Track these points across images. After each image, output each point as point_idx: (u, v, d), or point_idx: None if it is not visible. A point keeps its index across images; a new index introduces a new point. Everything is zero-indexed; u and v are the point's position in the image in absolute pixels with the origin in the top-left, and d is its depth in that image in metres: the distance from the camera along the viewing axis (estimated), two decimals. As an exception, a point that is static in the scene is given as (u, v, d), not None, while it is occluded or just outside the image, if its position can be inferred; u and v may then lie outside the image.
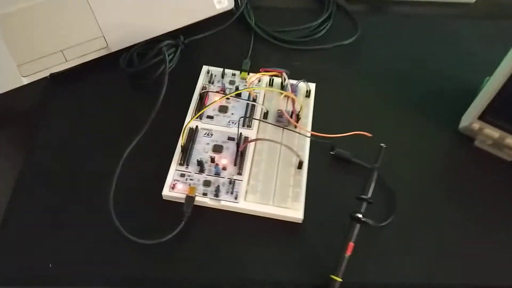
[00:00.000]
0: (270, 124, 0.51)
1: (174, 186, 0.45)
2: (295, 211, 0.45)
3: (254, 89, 0.52)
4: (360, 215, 0.43)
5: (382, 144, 0.46)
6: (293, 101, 0.51)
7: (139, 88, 0.54)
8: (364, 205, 0.43)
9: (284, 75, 0.52)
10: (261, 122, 0.51)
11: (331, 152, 0.50)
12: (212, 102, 0.49)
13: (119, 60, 0.53)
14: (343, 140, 0.51)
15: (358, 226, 0.42)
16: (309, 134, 0.50)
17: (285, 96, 0.52)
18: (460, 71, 0.59)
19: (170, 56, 0.52)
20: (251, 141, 0.49)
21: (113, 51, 0.54)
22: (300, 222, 0.45)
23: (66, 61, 0.52)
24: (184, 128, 0.47)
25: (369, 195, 0.44)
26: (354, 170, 0.49)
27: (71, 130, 0.51)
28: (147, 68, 0.51)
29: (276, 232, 0.45)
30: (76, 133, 0.51)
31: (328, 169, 0.49)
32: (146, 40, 0.55)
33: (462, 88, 0.56)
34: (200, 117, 0.51)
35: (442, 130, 0.53)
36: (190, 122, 0.48)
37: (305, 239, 0.44)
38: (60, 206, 0.45)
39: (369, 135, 0.47)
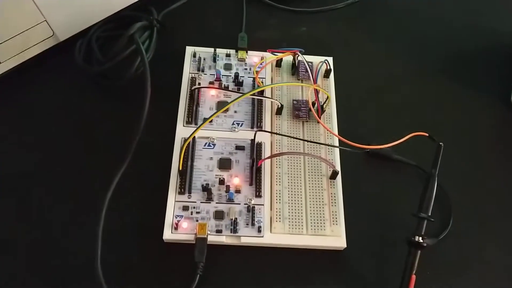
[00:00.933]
0: (286, 121, 0.40)
1: (178, 225, 0.35)
2: (336, 239, 0.35)
3: (277, 85, 0.40)
4: (420, 239, 0.34)
5: (440, 143, 0.36)
6: (316, 92, 0.39)
7: (109, 92, 0.41)
8: (424, 224, 0.35)
9: (300, 56, 0.40)
10: (275, 120, 0.40)
11: (366, 150, 0.40)
12: (216, 112, 0.36)
13: (74, 54, 0.39)
14: (373, 132, 0.41)
15: (419, 253, 0.34)
16: (336, 131, 0.40)
17: (311, 88, 0.40)
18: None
19: (146, 44, 0.38)
20: (271, 156, 0.37)
21: (62, 40, 0.40)
22: (342, 249, 0.36)
23: (0, 62, 0.38)
24: (183, 148, 0.35)
25: (430, 211, 0.35)
26: (398, 170, 0.39)
27: (15, 163, 0.37)
28: (116, 63, 0.37)
29: (314, 265, 0.35)
30: (22, 165, 0.37)
31: (365, 173, 0.39)
32: (104, 20, 0.41)
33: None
34: (196, 123, 0.39)
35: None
36: (189, 139, 0.35)
37: (350, 269, 0.35)
38: (19, 276, 0.34)
39: (426, 134, 0.37)
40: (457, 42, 0.48)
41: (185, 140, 0.36)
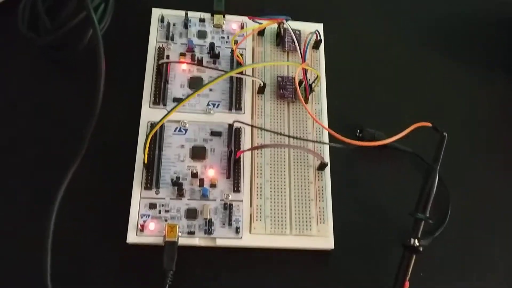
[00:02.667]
0: (269, 101, 0.35)
1: (144, 227, 0.30)
2: (323, 239, 0.32)
3: (257, 66, 0.34)
4: (417, 242, 0.30)
5: (444, 133, 0.32)
6: (305, 71, 0.33)
7: (60, 65, 0.34)
8: (421, 226, 0.31)
9: (286, 24, 0.34)
10: (256, 100, 0.35)
11: (358, 134, 0.36)
12: (188, 96, 0.29)
13: (17, 19, 0.32)
14: (369, 115, 0.37)
15: (414, 257, 0.31)
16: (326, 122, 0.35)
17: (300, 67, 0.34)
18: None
19: (101, 8, 0.31)
20: (252, 149, 0.32)
21: (1, 1, 0.33)
22: (330, 250, 0.32)
23: None
24: (147, 140, 0.29)
25: (428, 211, 0.31)
26: (394, 159, 0.35)
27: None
28: (67, 32, 0.31)
29: (299, 268, 0.32)
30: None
31: (357, 162, 0.35)
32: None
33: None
34: (164, 103, 0.34)
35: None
36: (154, 130, 0.29)
37: (338, 272, 0.32)
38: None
39: (429, 124, 0.32)
40: (464, 15, 0.43)
41: (150, 130, 0.30)
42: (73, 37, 0.31)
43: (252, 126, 0.33)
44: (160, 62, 0.33)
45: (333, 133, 0.29)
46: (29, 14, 0.32)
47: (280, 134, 0.32)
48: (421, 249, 0.30)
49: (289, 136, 0.33)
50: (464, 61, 0.40)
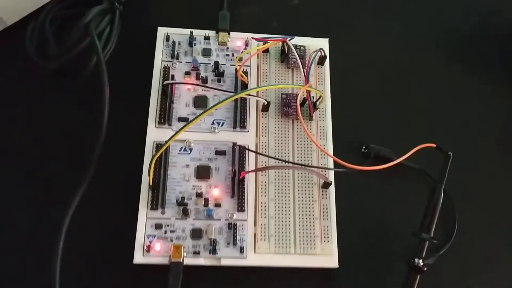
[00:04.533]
0: (273, 119, 0.35)
1: (150, 247, 0.31)
2: (327, 258, 0.32)
3: (262, 89, 0.34)
4: (421, 263, 0.30)
5: (449, 153, 0.32)
6: (309, 92, 0.33)
7: (67, 89, 0.34)
8: (425, 246, 0.31)
9: (289, 43, 0.34)
10: (261, 118, 0.35)
11: (363, 150, 0.35)
12: (199, 116, 0.28)
13: (25, 43, 0.32)
14: (374, 131, 0.37)
15: (418, 276, 0.30)
16: (330, 141, 0.35)
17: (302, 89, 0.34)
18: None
19: (105, 33, 0.32)
20: (256, 170, 0.33)
21: (10, 24, 0.34)
22: (335, 268, 0.32)
23: None
24: (152, 163, 0.30)
25: (432, 231, 0.31)
26: (400, 175, 0.35)
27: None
28: (73, 57, 0.31)
29: (303, 286, 0.32)
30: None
31: (362, 178, 0.35)
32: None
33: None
34: (169, 123, 0.34)
35: None
36: (157, 155, 0.29)
37: (342, 289, 0.32)
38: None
39: (433, 145, 0.32)
40: (472, 24, 0.42)
41: (155, 150, 0.31)
42: (79, 62, 0.32)
43: (257, 153, 0.33)
44: (165, 83, 0.34)
45: (336, 159, 0.29)
46: (37, 37, 0.33)
47: (284, 161, 0.32)
48: (425, 268, 0.30)
49: (293, 163, 0.33)
50: (471, 75, 0.40)
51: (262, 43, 0.34)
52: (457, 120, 0.38)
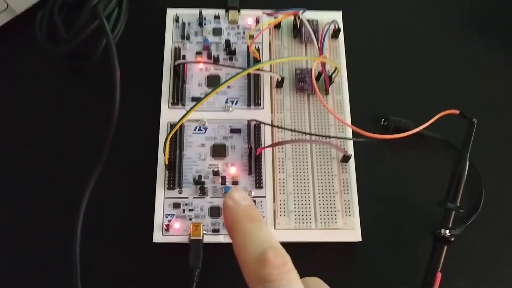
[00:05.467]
0: (288, 95, 0.34)
1: (169, 226, 0.30)
2: (349, 232, 0.31)
3: (275, 62, 0.33)
4: (447, 233, 0.29)
5: (473, 119, 0.30)
6: (323, 63, 0.33)
7: (78, 73, 0.34)
8: (452, 216, 0.30)
9: (301, 17, 0.33)
10: (275, 94, 0.34)
11: (383, 122, 0.35)
12: (208, 95, 0.28)
13: (35, 29, 0.33)
14: (393, 103, 0.36)
15: (445, 247, 0.29)
16: (347, 104, 0.34)
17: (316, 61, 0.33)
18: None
19: (114, 15, 0.31)
20: (272, 145, 0.32)
21: (20, 13, 0.34)
22: (357, 242, 0.32)
23: None
24: (166, 142, 0.29)
25: (458, 201, 0.30)
26: (422, 146, 0.34)
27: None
28: (83, 40, 0.31)
29: (326, 261, 0.31)
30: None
31: (382, 151, 0.34)
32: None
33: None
34: (183, 103, 0.34)
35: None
36: (172, 133, 0.29)
37: (366, 265, 0.31)
38: None
39: (457, 112, 0.31)
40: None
41: (169, 131, 0.30)
42: (89, 45, 0.32)
43: (272, 126, 0.32)
44: (176, 63, 0.33)
45: (355, 129, 0.29)
46: (47, 24, 0.33)
47: (301, 132, 0.32)
48: (452, 239, 0.29)
49: (310, 134, 0.32)
50: (492, 41, 0.38)
51: (273, 17, 0.34)
52: (481, 86, 0.36)
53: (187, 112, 0.28)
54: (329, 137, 0.32)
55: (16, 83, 0.34)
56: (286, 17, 0.34)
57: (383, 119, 0.34)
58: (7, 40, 0.34)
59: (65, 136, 0.33)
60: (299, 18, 0.34)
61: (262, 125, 0.33)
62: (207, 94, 0.28)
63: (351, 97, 0.35)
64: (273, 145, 0.32)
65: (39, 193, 0.32)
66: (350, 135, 0.33)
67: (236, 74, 0.28)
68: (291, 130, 0.32)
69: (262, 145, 0.32)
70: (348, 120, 0.34)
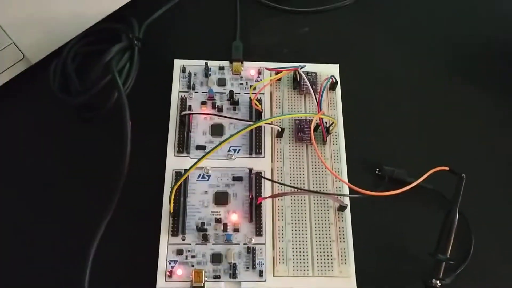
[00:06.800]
0: (288, 144, 0.36)
1: (172, 272, 0.32)
2: (345, 280, 0.32)
3: (277, 118, 0.35)
4: (438, 283, 0.31)
5: (462, 175, 0.32)
6: (320, 118, 0.35)
7: (89, 122, 0.36)
8: (442, 267, 0.31)
9: (300, 72, 0.35)
10: (276, 143, 0.36)
11: (377, 172, 0.36)
12: (215, 148, 0.30)
13: (49, 79, 0.34)
14: (387, 152, 0.37)
15: (436, 297, 0.31)
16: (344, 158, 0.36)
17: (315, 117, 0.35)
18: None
19: (125, 69, 0.33)
20: (272, 196, 0.34)
21: (34, 62, 0.36)
22: (352, 289, 0.33)
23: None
24: (173, 191, 0.31)
25: (448, 252, 0.31)
26: (414, 196, 0.35)
27: None
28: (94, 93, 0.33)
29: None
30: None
31: (376, 199, 0.36)
32: (80, 35, 0.37)
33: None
34: (188, 151, 0.35)
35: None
36: (178, 183, 0.30)
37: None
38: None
39: (446, 168, 0.33)
40: (481, 41, 0.43)
41: (175, 178, 0.32)
42: (101, 97, 0.33)
43: (273, 181, 0.34)
44: (182, 113, 0.35)
45: (351, 186, 0.30)
46: (60, 73, 0.35)
47: (300, 189, 0.33)
48: (443, 289, 0.30)
49: (309, 191, 0.34)
50: (481, 95, 0.40)
51: (274, 73, 0.36)
52: (471, 139, 0.38)
53: (194, 164, 0.30)
54: (327, 194, 0.34)
55: (30, 130, 0.36)
56: (287, 73, 0.36)
57: (377, 169, 0.36)
58: (21, 89, 0.36)
59: (76, 183, 0.35)
60: (298, 72, 0.36)
61: (263, 173, 0.34)
62: (214, 147, 0.30)
63: (347, 146, 0.36)
64: (273, 196, 0.33)
65: (46, 239, 0.33)
66: (346, 186, 0.35)
67: (242, 129, 0.30)
68: (290, 186, 0.34)
69: (263, 194, 0.34)
70: (344, 168, 0.36)
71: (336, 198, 0.33)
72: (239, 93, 0.38)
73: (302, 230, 0.33)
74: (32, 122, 0.36)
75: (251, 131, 0.36)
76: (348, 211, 0.34)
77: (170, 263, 0.32)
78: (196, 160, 0.30)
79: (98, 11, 0.37)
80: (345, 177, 0.35)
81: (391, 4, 0.44)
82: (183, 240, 0.33)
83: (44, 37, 0.35)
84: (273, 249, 0.33)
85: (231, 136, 0.30)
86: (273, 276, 0.32)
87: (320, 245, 0.33)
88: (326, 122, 0.36)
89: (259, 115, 0.37)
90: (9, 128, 0.36)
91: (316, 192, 0.33)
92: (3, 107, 0.36)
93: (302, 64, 0.36)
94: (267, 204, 0.34)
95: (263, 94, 0.38)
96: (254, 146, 0.36)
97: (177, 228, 0.33)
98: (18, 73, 0.35)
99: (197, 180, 0.34)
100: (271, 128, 0.36)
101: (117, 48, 0.33)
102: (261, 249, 0.33)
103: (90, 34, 0.37)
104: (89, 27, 0.36)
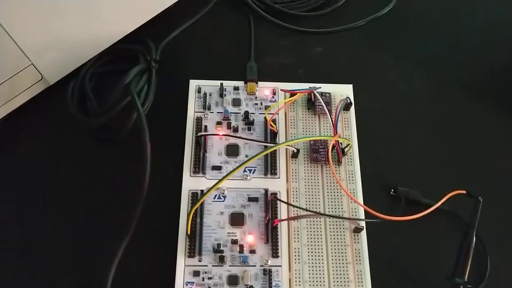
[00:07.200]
0: (303, 165, 0.36)
1: (188, 295, 0.32)
2: (362, 302, 0.32)
3: (293, 142, 0.35)
4: (457, 308, 0.31)
5: (479, 198, 0.32)
6: (336, 141, 0.35)
7: (108, 143, 0.36)
8: (461, 290, 0.31)
9: (316, 93, 0.36)
10: (291, 164, 0.36)
11: (392, 193, 0.36)
12: (230, 172, 0.30)
13: (67, 100, 0.35)
14: (400, 170, 0.37)
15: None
16: (359, 181, 0.36)
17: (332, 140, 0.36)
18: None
19: (144, 91, 0.34)
20: (288, 219, 0.34)
21: (52, 83, 0.36)
22: (369, 312, 0.33)
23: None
24: (190, 214, 0.31)
25: (466, 276, 0.31)
26: (430, 217, 0.35)
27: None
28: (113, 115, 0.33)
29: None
30: (5, 234, 0.33)
31: (392, 222, 0.35)
32: (97, 56, 0.37)
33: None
34: (204, 172, 0.36)
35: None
36: (196, 206, 0.31)
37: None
38: None
39: (464, 192, 0.33)
40: (499, 60, 0.43)
41: (191, 199, 0.32)
42: (119, 118, 0.34)
43: (288, 204, 0.34)
44: (198, 134, 0.35)
45: (368, 209, 0.31)
46: (78, 94, 0.35)
47: (316, 213, 0.34)
48: (462, 313, 0.30)
49: (324, 215, 0.34)
50: (499, 116, 0.40)
51: (289, 94, 0.36)
52: (489, 161, 0.38)
53: (212, 187, 0.30)
54: (343, 218, 0.34)
55: (47, 150, 0.36)
56: (301, 96, 0.37)
57: (391, 190, 0.36)
58: (40, 109, 0.37)
59: (92, 204, 0.35)
60: (313, 93, 0.37)
61: (279, 195, 0.35)
62: (232, 171, 0.30)
63: (362, 167, 0.36)
64: (289, 218, 0.33)
65: (64, 264, 0.33)
66: (361, 201, 0.35)
67: (260, 153, 0.30)
68: (306, 210, 0.34)
69: (279, 215, 0.34)
70: (360, 189, 0.36)
71: (353, 221, 0.33)
72: (254, 113, 0.38)
73: (318, 252, 0.33)
74: (50, 142, 0.36)
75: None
76: (364, 232, 0.34)
77: (187, 285, 0.32)
78: (212, 180, 0.30)
79: (115, 32, 0.37)
80: (360, 198, 0.35)
81: (403, 24, 0.45)
82: (200, 261, 0.33)
83: (62, 58, 0.36)
84: (289, 271, 0.33)
85: (249, 159, 0.30)
86: (290, 298, 0.32)
87: (336, 267, 0.33)
88: (341, 144, 0.36)
89: (274, 135, 0.37)
90: (27, 148, 0.36)
91: (334, 216, 0.33)
92: (22, 127, 0.36)
93: (317, 85, 0.36)
94: (283, 225, 0.34)
95: (278, 114, 0.38)
96: (270, 167, 0.36)
97: (194, 249, 0.33)
98: (36, 94, 0.36)
99: (213, 201, 0.35)
100: (286, 149, 0.36)
101: (136, 71, 0.33)
102: (277, 271, 0.33)
103: (107, 54, 0.37)
104: (106, 48, 0.37)
